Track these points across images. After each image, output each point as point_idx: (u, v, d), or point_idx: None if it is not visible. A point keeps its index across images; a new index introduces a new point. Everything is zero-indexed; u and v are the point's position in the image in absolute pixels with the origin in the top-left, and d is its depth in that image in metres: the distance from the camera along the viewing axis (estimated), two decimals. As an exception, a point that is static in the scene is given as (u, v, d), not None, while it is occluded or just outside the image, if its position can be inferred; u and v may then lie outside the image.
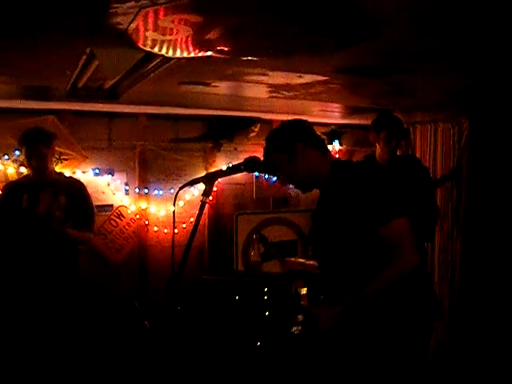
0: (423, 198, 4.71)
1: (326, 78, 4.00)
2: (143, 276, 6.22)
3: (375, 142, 4.90)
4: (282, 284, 5.53)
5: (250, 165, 3.17)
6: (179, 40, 2.92)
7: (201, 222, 6.40)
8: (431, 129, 6.52)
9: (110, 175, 6.04)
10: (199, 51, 3.12)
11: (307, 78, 4.02)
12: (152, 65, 3.73)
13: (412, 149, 6.71)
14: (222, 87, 4.51)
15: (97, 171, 5.96)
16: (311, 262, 5.42)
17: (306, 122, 3.26)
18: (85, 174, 5.89)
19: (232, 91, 4.79)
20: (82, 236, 4.82)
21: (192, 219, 6.26)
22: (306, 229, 6.69)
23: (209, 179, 3.02)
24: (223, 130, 6.36)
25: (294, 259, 5.78)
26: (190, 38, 2.90)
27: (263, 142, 6.46)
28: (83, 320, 5.14)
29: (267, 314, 5.49)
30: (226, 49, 3.07)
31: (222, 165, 6.41)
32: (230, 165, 6.35)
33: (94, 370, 5.26)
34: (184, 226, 6.16)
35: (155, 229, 6.21)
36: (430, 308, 3.06)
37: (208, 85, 4.36)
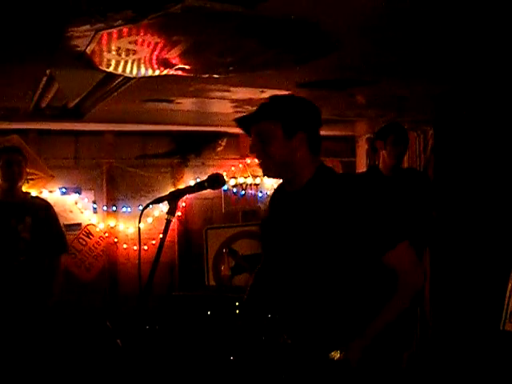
0: (425, 212, 4.80)
1: (288, 92, 4.03)
2: (114, 294, 6.18)
3: (381, 150, 4.88)
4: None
5: (213, 182, 3.14)
6: (139, 60, 2.93)
7: (170, 238, 6.49)
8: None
9: (77, 194, 6.00)
10: (159, 70, 3.13)
11: (270, 93, 4.03)
12: (114, 84, 3.75)
13: (378, 158, 6.75)
14: (186, 104, 4.53)
15: (64, 190, 5.92)
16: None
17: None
18: (52, 193, 5.84)
19: (196, 107, 4.81)
20: (58, 282, 4.82)
21: (161, 235, 6.22)
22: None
23: (173, 197, 2.98)
24: (190, 146, 6.37)
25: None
26: (150, 58, 2.92)
27: (230, 157, 6.62)
28: (54, 340, 5.09)
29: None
30: (186, 67, 3.09)
31: (189, 180, 6.41)
32: (198, 180, 6.40)
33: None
34: (153, 242, 6.13)
35: (125, 246, 6.18)
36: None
37: (172, 102, 4.38)
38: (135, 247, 6.18)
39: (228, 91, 3.93)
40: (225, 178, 6.32)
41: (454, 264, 5.79)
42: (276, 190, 2.90)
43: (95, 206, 6.08)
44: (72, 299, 5.84)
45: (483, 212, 5.68)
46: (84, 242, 6.04)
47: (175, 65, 3.01)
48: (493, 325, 5.39)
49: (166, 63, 2.99)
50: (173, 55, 2.84)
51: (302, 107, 2.59)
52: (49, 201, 5.16)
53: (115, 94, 3.91)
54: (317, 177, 2.56)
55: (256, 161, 2.66)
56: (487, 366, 5.24)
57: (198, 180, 6.42)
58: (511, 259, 5.33)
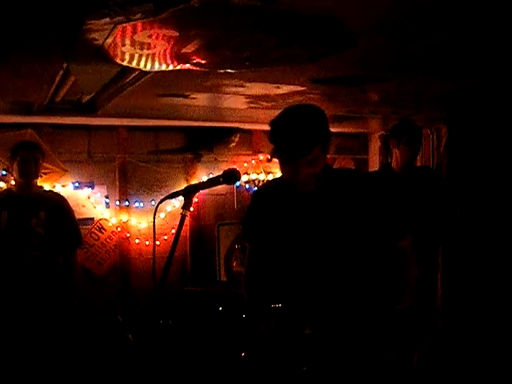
0: (438, 210, 4.79)
1: (303, 89, 4.02)
2: (126, 289, 6.19)
3: (394, 148, 4.89)
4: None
5: (228, 177, 3.13)
6: (156, 54, 2.93)
7: (182, 234, 6.41)
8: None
9: (90, 188, 6.02)
10: (176, 65, 3.13)
11: (285, 89, 4.04)
12: (129, 78, 3.74)
13: (391, 156, 6.74)
14: (201, 99, 4.52)
15: (77, 184, 5.94)
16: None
17: None
18: (64, 187, 5.86)
19: (211, 103, 4.80)
20: (78, 278, 4.84)
21: (173, 231, 6.24)
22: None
23: (188, 192, 2.98)
24: (203, 141, 6.36)
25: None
26: (166, 52, 2.91)
27: (243, 152, 6.61)
28: (67, 334, 5.10)
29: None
30: (202, 62, 3.08)
31: (202, 176, 6.41)
32: (211, 175, 6.40)
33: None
34: (166, 237, 6.14)
35: (137, 241, 6.19)
36: None
37: (186, 97, 4.37)
38: (147, 242, 6.19)
39: (243, 86, 3.92)
40: (239, 173, 6.34)
41: (467, 263, 5.76)
42: (274, 191, 2.94)
43: (108, 200, 6.10)
44: (84, 294, 5.85)
45: (495, 210, 5.66)
46: (96, 237, 6.06)
47: (191, 59, 3.01)
48: (506, 325, 5.39)
49: (182, 58, 2.98)
50: (189, 50, 2.84)
51: (323, 118, 2.66)
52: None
53: (130, 88, 3.90)
54: (328, 175, 2.74)
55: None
56: (499, 367, 5.23)
57: (211, 176, 6.43)
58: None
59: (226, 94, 4.22)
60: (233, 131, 6.41)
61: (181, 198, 6.00)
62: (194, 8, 2.26)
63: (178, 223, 6.02)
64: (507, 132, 5.60)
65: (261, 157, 6.63)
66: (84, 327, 5.69)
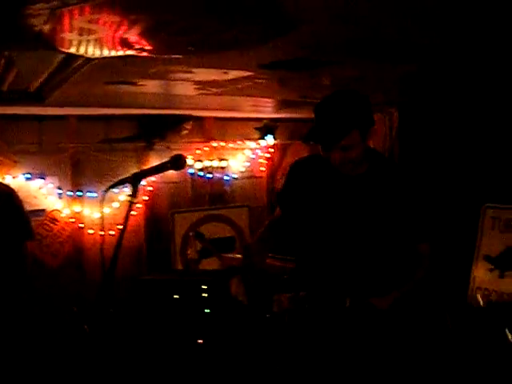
0: None
1: (251, 74, 4.02)
2: (81, 279, 6.13)
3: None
4: (220, 281, 5.52)
5: (175, 163, 3.13)
6: (97, 40, 2.89)
7: (137, 223, 6.47)
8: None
9: (41, 179, 5.93)
10: (119, 51, 3.09)
11: (233, 74, 4.03)
12: (74, 66, 3.69)
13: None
14: (149, 86, 4.48)
15: (28, 176, 5.84)
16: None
17: None
18: (15, 179, 5.76)
19: (160, 90, 4.77)
20: (27, 271, 4.77)
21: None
22: (244, 224, 6.72)
23: (135, 179, 2.97)
24: (155, 129, 6.32)
25: (231, 255, 5.77)
26: (108, 38, 2.88)
27: (196, 140, 6.59)
28: (22, 326, 5.04)
29: (207, 311, 5.49)
30: (146, 47, 3.06)
31: (155, 163, 6.36)
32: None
33: (33, 375, 5.16)
34: (120, 227, 6.07)
35: (90, 232, 6.13)
36: None
37: (134, 84, 4.33)
38: (101, 232, 6.12)
39: (190, 72, 3.89)
40: (191, 161, 6.35)
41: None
42: (317, 166, 2.90)
43: (60, 191, 6.02)
44: (39, 285, 5.79)
45: (447, 196, 5.74)
46: (49, 228, 5.98)
47: (135, 45, 2.98)
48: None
49: (125, 43, 2.95)
50: (132, 35, 2.81)
51: (364, 104, 2.69)
52: (12, 187, 5.09)
53: (76, 76, 3.85)
54: (374, 162, 2.80)
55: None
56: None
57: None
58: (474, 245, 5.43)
59: (174, 80, 4.20)
60: (185, 119, 6.38)
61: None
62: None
63: (131, 213, 6.00)
64: (457, 114, 5.67)
65: (214, 144, 6.62)
66: (39, 319, 5.64)
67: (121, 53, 3.13)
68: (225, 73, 3.95)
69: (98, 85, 4.32)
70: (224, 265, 5.83)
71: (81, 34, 2.79)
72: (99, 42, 2.93)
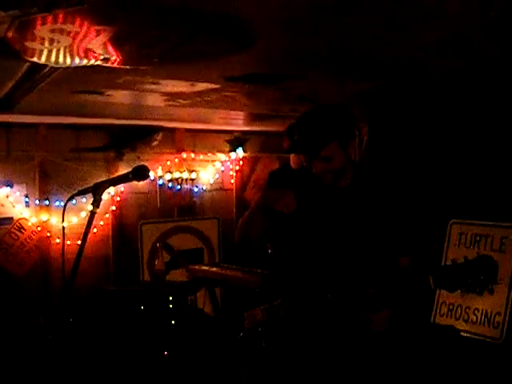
0: None
1: (218, 86, 4.04)
2: (47, 289, 6.09)
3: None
4: (186, 292, 5.52)
5: (137, 173, 3.11)
6: (61, 49, 2.90)
7: (104, 233, 6.44)
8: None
9: (8, 187, 5.89)
10: (83, 60, 3.10)
11: (200, 87, 4.05)
12: (41, 74, 3.69)
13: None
14: (117, 96, 4.49)
15: (-5, 183, 5.81)
16: (214, 269, 5.43)
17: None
18: (-18, 186, 5.73)
19: (128, 100, 4.78)
20: None
21: (95, 230, 6.19)
22: (213, 236, 6.72)
23: (97, 189, 2.97)
24: (125, 140, 6.32)
25: (197, 267, 5.77)
26: (71, 48, 2.88)
27: (166, 151, 6.59)
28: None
29: (173, 322, 5.47)
30: (110, 58, 3.07)
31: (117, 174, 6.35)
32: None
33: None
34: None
35: (57, 241, 6.10)
36: None
37: (102, 94, 4.33)
38: (69, 242, 6.09)
39: (157, 84, 3.91)
40: (161, 172, 6.32)
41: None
42: (302, 185, 2.94)
43: (27, 199, 5.98)
44: (4, 294, 5.75)
45: (414, 211, 5.78)
46: (16, 237, 5.94)
47: (99, 55, 2.99)
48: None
49: (89, 53, 2.96)
50: (95, 45, 2.82)
51: (344, 116, 2.75)
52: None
53: (43, 84, 3.85)
54: (357, 174, 2.83)
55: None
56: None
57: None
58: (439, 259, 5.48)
59: (142, 91, 4.21)
60: (155, 130, 6.39)
61: (103, 196, 5.96)
62: (94, 3, 2.26)
63: (99, 223, 5.98)
64: (426, 130, 5.74)
65: (184, 155, 6.63)
66: (5, 328, 5.59)
67: (85, 63, 3.13)
68: (192, 85, 3.97)
69: (65, 94, 4.32)
70: (190, 276, 5.84)
71: (43, 43, 2.80)
72: (62, 52, 2.94)
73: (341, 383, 2.83)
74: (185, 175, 6.62)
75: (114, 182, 3.18)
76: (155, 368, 5.24)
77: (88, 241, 6.13)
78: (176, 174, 6.59)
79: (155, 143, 6.40)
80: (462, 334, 5.16)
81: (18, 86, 4.18)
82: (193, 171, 6.66)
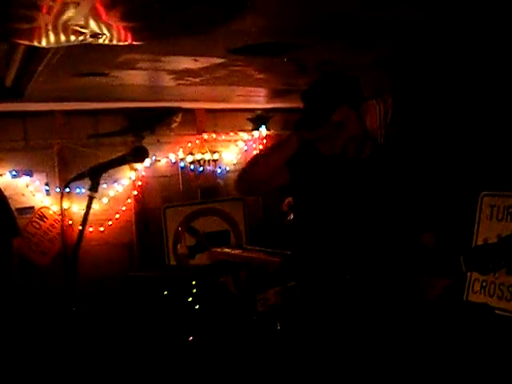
0: None
1: (223, 61, 3.87)
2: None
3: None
4: (210, 276, 5.40)
5: (136, 154, 2.97)
6: (42, 27, 2.77)
7: (127, 218, 6.36)
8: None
9: (28, 176, 5.84)
10: (70, 38, 2.97)
11: (204, 62, 3.89)
12: (38, 58, 3.60)
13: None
14: (124, 77, 4.37)
15: (14, 173, 5.76)
16: (236, 252, 5.30)
17: None
18: (1, 176, 5.68)
19: (138, 81, 4.64)
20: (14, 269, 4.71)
21: (118, 215, 6.10)
22: (238, 217, 6.59)
23: (93, 173, 2.84)
24: (144, 122, 6.20)
25: (219, 249, 5.64)
26: (53, 25, 2.75)
27: (186, 132, 6.46)
28: (16, 325, 4.98)
29: (197, 307, 5.36)
30: (98, 34, 2.93)
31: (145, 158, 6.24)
32: (154, 158, 6.26)
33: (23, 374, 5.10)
34: (110, 223, 6.01)
35: (80, 228, 6.02)
36: None
37: (107, 75, 4.20)
38: (91, 229, 6.03)
39: (159, 61, 3.77)
40: (182, 154, 6.20)
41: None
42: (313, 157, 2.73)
43: (47, 188, 5.92)
44: (30, 284, 5.72)
45: (443, 185, 5.57)
46: (38, 226, 5.89)
47: (85, 31, 2.85)
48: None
49: (74, 30, 2.82)
50: (77, 19, 2.68)
51: (350, 81, 2.57)
52: (-1, 185, 5.02)
53: (41, 68, 3.75)
54: (376, 143, 2.70)
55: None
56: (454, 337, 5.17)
57: (154, 158, 6.29)
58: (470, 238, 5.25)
59: (146, 70, 4.07)
60: (174, 111, 6.25)
61: (123, 181, 5.86)
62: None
63: (121, 208, 5.86)
64: (452, 101, 5.51)
65: (205, 136, 6.49)
66: (33, 317, 5.57)
67: (74, 40, 3.00)
68: (195, 60, 3.81)
69: (68, 77, 4.21)
70: (213, 259, 5.72)
71: (23, 21, 2.67)
72: (45, 31, 2.81)
73: (358, 369, 2.67)
74: (207, 156, 6.47)
75: (111, 164, 3.03)
76: (179, 354, 5.16)
77: (111, 227, 6.18)
78: (198, 156, 6.45)
79: (175, 125, 6.27)
80: (496, 311, 4.95)
81: (20, 73, 4.10)
82: (215, 152, 6.51)
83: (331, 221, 2.67)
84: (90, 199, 2.78)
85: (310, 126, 2.50)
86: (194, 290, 5.42)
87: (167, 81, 4.55)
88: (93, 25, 2.77)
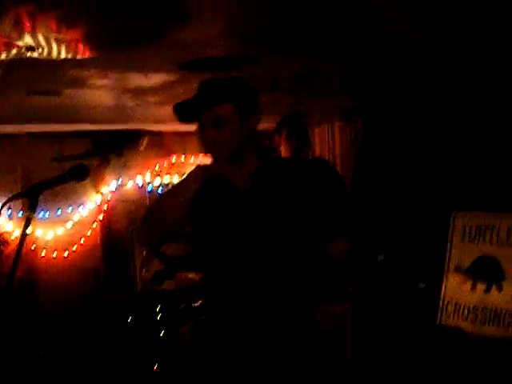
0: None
1: (175, 78, 3.76)
2: (34, 303, 5.87)
3: (279, 145, 4.73)
4: (174, 301, 5.28)
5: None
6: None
7: (93, 242, 6.19)
8: (328, 129, 6.38)
9: (-10, 200, 5.69)
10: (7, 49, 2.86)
11: (155, 78, 3.79)
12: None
13: (312, 151, 6.54)
14: (79, 96, 4.26)
15: (-24, 197, 5.62)
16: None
17: None
18: (-38, 199, 5.54)
19: (93, 100, 4.51)
20: None
21: (83, 239, 5.96)
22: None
23: (32, 193, 2.71)
24: (110, 145, 6.08)
25: (183, 275, 5.50)
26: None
27: (154, 155, 6.34)
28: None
29: (162, 334, 5.23)
30: (32, 46, 2.82)
31: (111, 181, 6.12)
32: (120, 181, 6.13)
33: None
34: (74, 248, 5.87)
35: (42, 253, 5.88)
36: None
37: (59, 94, 4.09)
38: (55, 254, 5.89)
39: (107, 78, 3.66)
40: (149, 177, 6.05)
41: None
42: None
43: (10, 211, 5.76)
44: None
45: (413, 207, 5.48)
46: (-1, 251, 5.73)
47: (15, 43, 2.74)
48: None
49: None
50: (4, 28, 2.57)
51: (251, 88, 2.48)
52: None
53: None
54: (265, 158, 2.54)
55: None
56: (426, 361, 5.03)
57: (120, 181, 6.16)
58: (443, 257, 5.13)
59: (98, 88, 3.96)
60: (141, 134, 6.14)
61: (89, 206, 5.70)
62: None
63: (87, 233, 5.70)
64: (422, 121, 5.45)
65: (173, 159, 6.37)
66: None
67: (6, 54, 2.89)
68: (146, 77, 3.70)
69: (21, 95, 4.10)
70: (180, 284, 5.60)
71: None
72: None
73: None
74: (175, 179, 6.34)
75: (50, 183, 2.90)
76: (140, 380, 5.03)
77: (77, 251, 6.01)
78: (166, 179, 6.32)
79: (142, 148, 6.16)
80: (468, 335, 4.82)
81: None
82: (184, 174, 6.38)
83: (232, 248, 2.52)
84: (28, 220, 2.65)
85: (192, 109, 2.40)
86: (159, 317, 5.30)
87: (125, 100, 4.45)
88: (27, 37, 2.65)
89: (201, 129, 2.40)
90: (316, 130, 6.53)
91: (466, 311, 5.06)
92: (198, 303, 5.02)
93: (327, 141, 6.41)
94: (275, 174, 2.51)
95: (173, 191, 2.63)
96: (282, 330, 2.47)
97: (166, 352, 5.07)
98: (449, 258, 5.31)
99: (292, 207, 2.47)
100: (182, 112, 2.44)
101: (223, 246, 2.54)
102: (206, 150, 2.44)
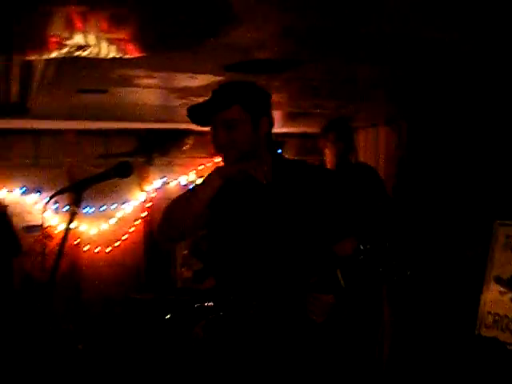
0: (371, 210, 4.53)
1: (221, 79, 3.79)
2: (77, 297, 5.98)
3: (324, 149, 4.74)
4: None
5: (120, 170, 2.91)
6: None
7: (135, 239, 6.28)
8: (372, 133, 6.34)
9: (37, 194, 5.82)
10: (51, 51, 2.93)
11: (202, 79, 3.82)
12: (34, 73, 3.58)
13: (356, 156, 6.50)
14: (125, 95, 4.33)
15: (24, 190, 5.75)
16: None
17: None
18: (11, 193, 5.68)
19: (139, 99, 4.58)
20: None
21: (126, 236, 6.05)
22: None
23: (76, 188, 2.78)
24: (155, 144, 6.16)
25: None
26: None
27: (198, 155, 6.39)
28: (16, 344, 4.93)
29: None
30: (83, 45, 2.89)
31: (156, 179, 6.19)
32: (165, 179, 6.19)
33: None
34: (117, 244, 5.95)
35: (85, 248, 5.98)
36: None
37: (105, 92, 4.16)
38: (98, 249, 5.99)
39: (154, 77, 3.71)
40: (193, 176, 6.12)
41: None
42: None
43: (56, 206, 5.88)
44: (33, 303, 5.66)
45: (456, 214, 5.41)
46: (44, 245, 5.84)
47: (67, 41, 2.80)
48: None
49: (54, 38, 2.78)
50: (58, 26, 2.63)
51: (261, 91, 2.57)
52: (7, 201, 5.01)
53: (37, 83, 3.73)
54: (279, 166, 2.59)
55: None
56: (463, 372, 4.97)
57: (165, 179, 6.23)
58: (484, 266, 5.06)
59: (144, 87, 4.01)
60: (187, 133, 6.20)
61: (133, 203, 5.80)
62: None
63: (130, 229, 5.80)
64: (466, 126, 5.38)
65: (217, 160, 6.40)
66: (35, 338, 5.51)
67: (58, 52, 2.96)
68: (192, 77, 3.74)
69: (69, 93, 4.19)
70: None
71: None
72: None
73: None
74: (219, 180, 6.38)
75: (96, 179, 2.97)
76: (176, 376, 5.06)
77: (119, 248, 6.09)
78: (209, 179, 6.36)
79: (187, 147, 6.22)
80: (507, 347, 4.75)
81: (22, 88, 4.08)
82: (226, 175, 6.43)
83: (244, 250, 2.56)
84: (73, 214, 2.72)
85: (203, 115, 2.50)
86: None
87: (171, 100, 4.50)
88: (77, 36, 2.71)
89: (213, 131, 2.49)
90: (361, 133, 6.49)
91: (505, 322, 4.99)
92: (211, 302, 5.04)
93: (372, 145, 6.36)
94: (289, 176, 2.56)
95: (195, 189, 2.67)
96: (288, 325, 2.50)
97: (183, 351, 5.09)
98: (489, 268, 5.25)
99: (306, 205, 2.53)
100: (195, 115, 2.54)
101: (240, 237, 2.58)
102: (217, 152, 2.53)
